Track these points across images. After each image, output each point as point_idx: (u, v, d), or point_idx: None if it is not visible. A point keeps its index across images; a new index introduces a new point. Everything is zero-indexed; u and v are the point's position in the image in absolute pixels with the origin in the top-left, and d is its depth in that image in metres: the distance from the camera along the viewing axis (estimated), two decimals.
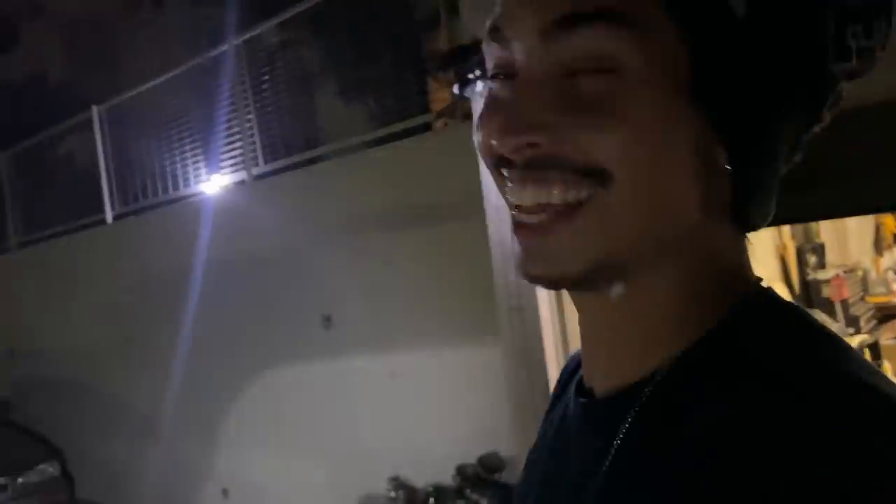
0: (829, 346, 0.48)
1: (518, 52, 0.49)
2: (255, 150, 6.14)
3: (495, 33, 0.51)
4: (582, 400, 0.58)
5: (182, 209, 6.93)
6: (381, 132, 5.29)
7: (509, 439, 4.05)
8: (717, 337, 0.50)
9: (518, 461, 4.10)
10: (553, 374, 3.75)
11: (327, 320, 5.23)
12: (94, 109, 7.96)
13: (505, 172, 0.51)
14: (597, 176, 0.48)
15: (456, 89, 4.12)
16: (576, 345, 0.83)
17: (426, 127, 5.19)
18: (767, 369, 0.46)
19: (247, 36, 6.20)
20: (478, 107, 4.14)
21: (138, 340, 7.43)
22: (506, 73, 0.51)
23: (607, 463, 0.51)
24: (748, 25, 0.46)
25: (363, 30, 5.58)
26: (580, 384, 0.60)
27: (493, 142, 0.49)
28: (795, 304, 0.56)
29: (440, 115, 5.09)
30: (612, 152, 0.47)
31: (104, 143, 7.94)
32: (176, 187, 7.17)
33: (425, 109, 5.31)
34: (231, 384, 6.33)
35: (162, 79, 7.23)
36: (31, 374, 8.80)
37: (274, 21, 5.95)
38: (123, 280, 7.56)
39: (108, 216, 7.92)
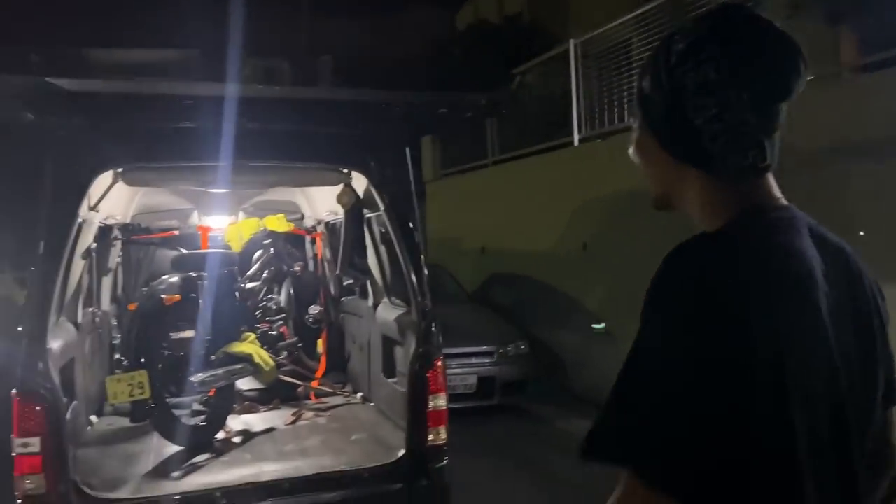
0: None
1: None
2: None
3: None
4: None
5: None
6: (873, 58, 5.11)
7: None
8: (720, 230, 1.08)
9: None
10: None
11: None
12: (571, 43, 9.02)
13: None
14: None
15: None
16: None
17: None
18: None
19: None
20: None
21: (593, 248, 8.50)
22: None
23: None
24: (665, 131, 1.15)
25: None
26: None
27: None
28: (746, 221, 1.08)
29: None
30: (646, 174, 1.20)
31: (577, 74, 8.99)
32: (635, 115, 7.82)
33: None
34: None
35: (629, 16, 7.91)
36: (497, 268, 10.63)
37: None
38: (585, 195, 8.63)
39: (576, 139, 9.03)
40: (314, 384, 5.08)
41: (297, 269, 5.29)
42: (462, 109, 3.40)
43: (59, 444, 3.16)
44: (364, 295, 4.92)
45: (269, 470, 3.57)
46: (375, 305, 4.70)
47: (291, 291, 5.25)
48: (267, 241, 5.12)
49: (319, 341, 5.57)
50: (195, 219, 5.90)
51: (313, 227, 5.75)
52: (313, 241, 5.86)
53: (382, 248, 4.59)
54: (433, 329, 3.76)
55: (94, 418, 4.41)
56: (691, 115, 1.08)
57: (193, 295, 4.02)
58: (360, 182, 4.12)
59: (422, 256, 3.86)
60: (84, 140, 3.27)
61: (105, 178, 3.56)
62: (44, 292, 3.20)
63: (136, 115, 3.26)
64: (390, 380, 4.44)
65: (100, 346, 4.78)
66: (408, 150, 3.83)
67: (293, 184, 4.31)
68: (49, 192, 3.21)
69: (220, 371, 3.99)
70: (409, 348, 3.89)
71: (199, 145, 3.44)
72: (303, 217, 5.41)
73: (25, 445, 3.07)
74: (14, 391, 3.10)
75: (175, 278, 3.96)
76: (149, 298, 3.83)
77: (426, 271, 3.84)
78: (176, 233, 5.22)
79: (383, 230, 4.56)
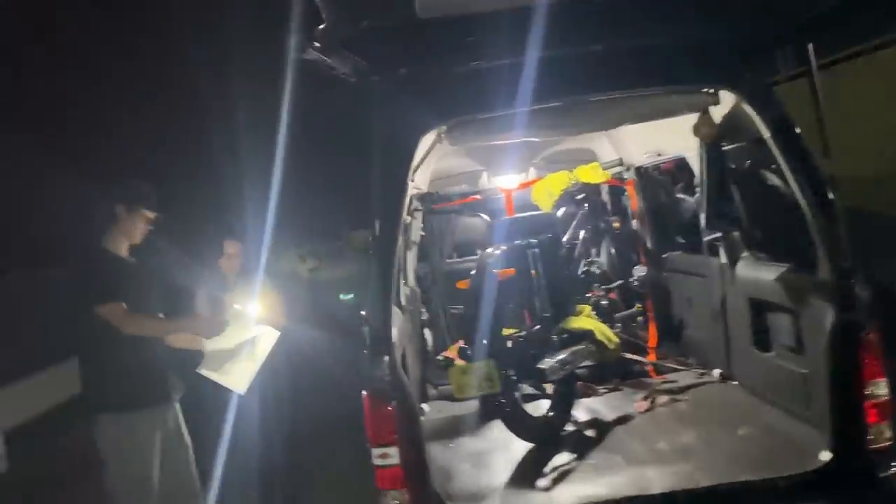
0: None
1: None
2: None
3: None
4: None
5: None
6: None
7: None
8: None
9: None
10: None
11: None
12: None
13: None
14: None
15: None
16: None
17: None
18: None
19: None
20: None
21: None
22: None
23: None
24: None
25: None
26: None
27: None
28: None
29: None
30: None
31: None
32: None
33: None
34: None
35: None
36: None
37: None
38: None
39: None
40: (650, 358, 4.31)
41: (616, 225, 4.52)
42: None
43: (419, 453, 2.72)
44: (711, 251, 4.00)
45: (652, 477, 2.86)
46: (733, 261, 3.77)
47: (613, 251, 4.50)
48: (580, 197, 4.41)
49: (638, 306, 4.79)
50: (484, 181, 5.41)
51: (619, 174, 4.92)
52: (621, 192, 5.04)
53: (735, 189, 3.64)
54: (858, 292, 2.77)
55: (425, 407, 4.06)
56: None
57: (525, 266, 3.43)
58: (724, 104, 3.19)
59: (832, 197, 2.86)
60: (412, 94, 2.75)
61: (428, 139, 3.04)
62: (386, 277, 2.75)
63: (462, 53, 2.65)
64: (766, 354, 3.52)
65: (412, 325, 4.44)
66: (811, 47, 2.84)
67: (640, 118, 3.50)
68: (378, 162, 2.74)
69: (566, 354, 3.37)
70: (813, 316, 2.95)
71: (532, 82, 2.76)
72: (621, 163, 4.60)
73: (384, 457, 2.67)
74: (365, 393, 2.71)
75: (502, 249, 3.39)
76: (480, 274, 3.30)
77: (840, 217, 2.84)
78: (478, 197, 4.71)
79: (735, 164, 3.62)
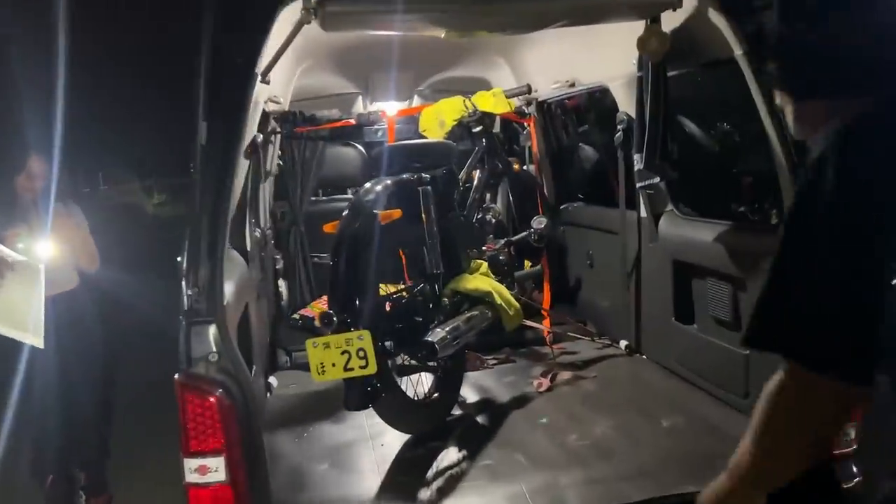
0: None
1: None
2: None
3: None
4: None
5: None
6: None
7: None
8: None
9: None
10: None
11: None
12: None
13: None
14: None
15: None
16: None
17: None
18: None
19: None
20: None
21: None
22: None
23: None
24: None
25: None
26: None
27: None
28: None
29: None
30: None
31: None
32: None
33: None
34: None
35: None
36: None
37: None
38: None
39: None
40: (546, 324, 3.69)
41: (515, 167, 3.81)
42: None
43: (254, 464, 1.91)
44: (627, 202, 3.38)
45: (567, 487, 2.21)
46: (656, 216, 3.18)
47: (511, 198, 3.80)
48: (477, 129, 3.65)
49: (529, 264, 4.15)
50: (359, 107, 4.53)
51: (520, 108, 4.19)
52: (520, 129, 4.34)
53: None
54: None
55: (273, 381, 3.21)
56: None
57: (414, 208, 2.64)
58: (681, 13, 2.50)
59: None
60: None
61: (290, 13, 2.13)
62: (215, 210, 1.88)
63: None
64: (689, 327, 2.98)
65: (262, 276, 3.54)
66: None
67: (574, 18, 2.70)
68: (207, 39, 1.82)
69: (459, 322, 2.64)
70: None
71: None
72: (529, 90, 3.85)
73: (203, 471, 1.83)
74: (178, 378, 1.85)
75: (387, 185, 2.57)
76: (356, 216, 2.47)
77: None
78: (352, 122, 3.83)
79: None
